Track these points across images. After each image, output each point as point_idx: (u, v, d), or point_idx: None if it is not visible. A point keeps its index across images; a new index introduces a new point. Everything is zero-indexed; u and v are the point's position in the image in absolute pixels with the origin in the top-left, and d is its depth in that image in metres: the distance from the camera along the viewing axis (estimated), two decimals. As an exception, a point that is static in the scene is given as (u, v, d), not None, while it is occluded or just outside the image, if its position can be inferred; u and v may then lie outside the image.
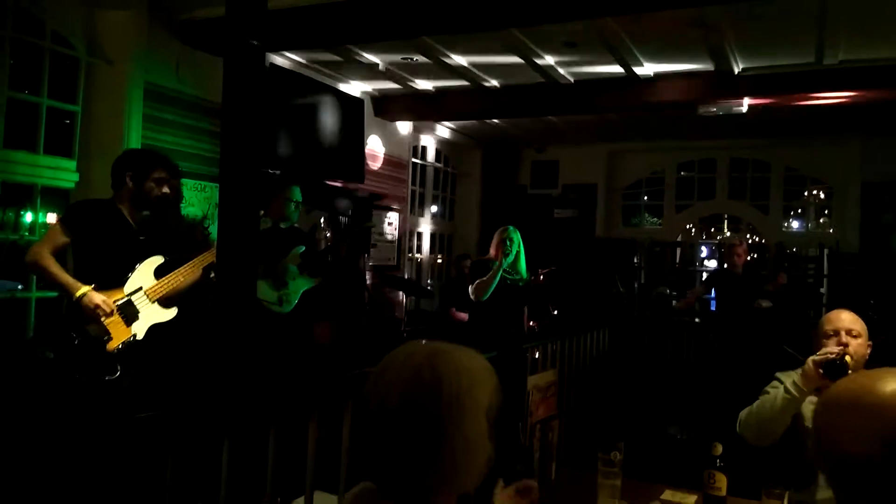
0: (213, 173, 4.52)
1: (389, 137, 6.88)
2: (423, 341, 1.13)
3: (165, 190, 2.98)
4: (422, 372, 1.03)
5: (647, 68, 5.35)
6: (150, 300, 2.89)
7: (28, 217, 4.04)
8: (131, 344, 2.79)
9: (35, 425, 1.56)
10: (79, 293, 2.70)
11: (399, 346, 1.12)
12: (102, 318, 2.73)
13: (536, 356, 3.84)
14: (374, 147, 6.60)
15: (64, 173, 4.08)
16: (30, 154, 3.93)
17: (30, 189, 3.97)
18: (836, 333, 2.31)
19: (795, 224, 8.20)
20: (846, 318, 2.35)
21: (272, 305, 4.04)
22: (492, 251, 4.52)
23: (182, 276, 2.98)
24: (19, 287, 4.02)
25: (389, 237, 6.95)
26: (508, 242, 4.43)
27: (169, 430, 1.76)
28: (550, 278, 4.90)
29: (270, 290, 4.07)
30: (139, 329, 2.84)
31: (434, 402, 1.00)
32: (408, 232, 7.40)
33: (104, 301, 2.73)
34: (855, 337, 2.30)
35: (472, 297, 4.42)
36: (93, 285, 2.75)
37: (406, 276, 7.26)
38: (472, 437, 1.03)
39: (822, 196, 8.01)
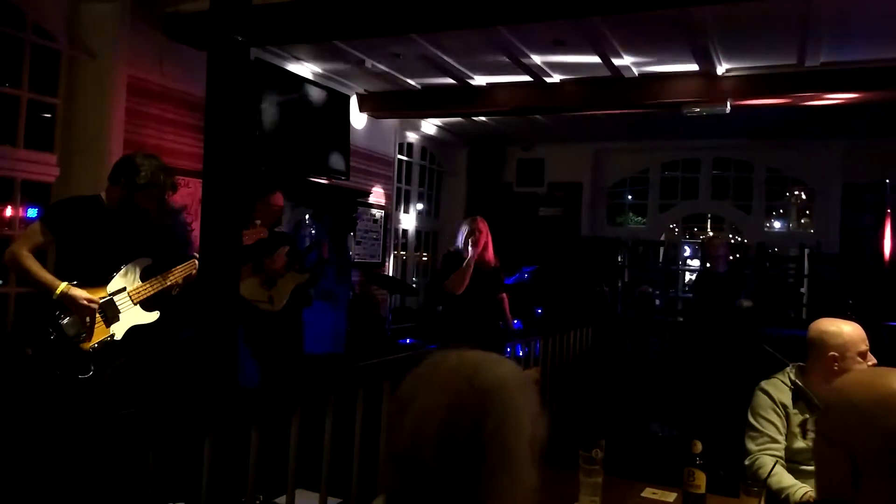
0: (197, 169, 4.49)
1: (375, 134, 6.86)
2: (455, 358, 1.01)
3: (151, 205, 2.94)
4: (464, 399, 0.92)
5: (632, 69, 5.38)
6: (132, 302, 2.86)
7: (7, 212, 3.99)
8: (108, 344, 2.76)
9: (11, 422, 1.54)
10: (58, 290, 2.67)
11: (431, 363, 1.01)
12: (86, 316, 2.70)
13: (520, 354, 3.85)
14: (360, 144, 6.58)
15: (45, 167, 4.04)
16: (9, 148, 3.88)
17: (9, 183, 3.91)
18: (867, 353, 2.31)
19: (777, 224, 8.28)
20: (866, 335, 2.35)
21: (262, 304, 4.03)
22: (459, 243, 4.50)
23: (167, 281, 2.95)
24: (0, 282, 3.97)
25: (374, 234, 6.94)
26: (477, 233, 4.43)
27: (150, 428, 1.75)
28: (534, 277, 4.92)
29: (260, 290, 4.06)
30: (118, 329, 2.81)
31: (476, 438, 0.90)
32: (393, 229, 7.39)
33: (87, 297, 2.70)
34: None
35: (446, 291, 4.41)
36: (74, 282, 2.72)
37: (391, 274, 7.26)
38: (516, 471, 0.93)
39: (803, 197, 8.09)
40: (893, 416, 1.07)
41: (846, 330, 2.33)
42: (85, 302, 2.68)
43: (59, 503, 1.51)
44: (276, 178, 5.22)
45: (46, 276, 2.71)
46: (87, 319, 2.71)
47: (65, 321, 2.68)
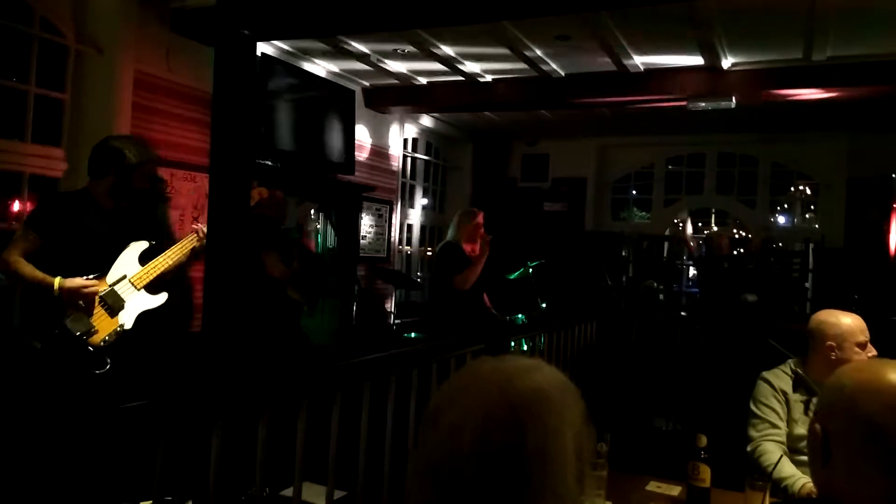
0: (204, 164, 4.51)
1: (380, 129, 6.87)
2: (490, 365, 0.95)
3: (146, 184, 2.93)
4: (496, 419, 0.85)
5: (637, 63, 5.37)
6: (136, 288, 2.83)
7: (16, 206, 4.01)
8: (119, 335, 2.76)
9: (18, 417, 1.55)
10: (56, 286, 2.65)
11: (467, 370, 0.95)
12: (91, 303, 2.68)
13: (524, 348, 3.86)
14: (365, 139, 6.59)
15: (52, 162, 4.06)
16: (17, 142, 3.90)
17: (17, 178, 3.93)
18: (867, 344, 2.35)
19: (782, 219, 8.27)
20: (866, 327, 2.39)
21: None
22: (463, 236, 4.48)
23: (169, 260, 2.91)
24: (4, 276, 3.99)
25: (379, 229, 6.95)
26: (482, 229, 4.46)
27: (158, 420, 1.76)
28: (539, 271, 4.92)
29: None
30: (126, 318, 2.79)
31: (517, 453, 0.84)
32: (398, 224, 7.40)
33: (83, 284, 2.68)
34: None
35: (456, 286, 4.40)
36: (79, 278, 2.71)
37: (396, 268, 7.27)
38: (561, 491, 0.86)
39: (808, 191, 8.08)
40: (870, 401, 1.11)
41: (844, 320, 2.38)
42: (84, 289, 2.67)
43: (64, 496, 1.52)
44: (280, 173, 5.24)
45: (40, 276, 2.69)
46: (92, 308, 2.70)
47: (69, 320, 2.67)
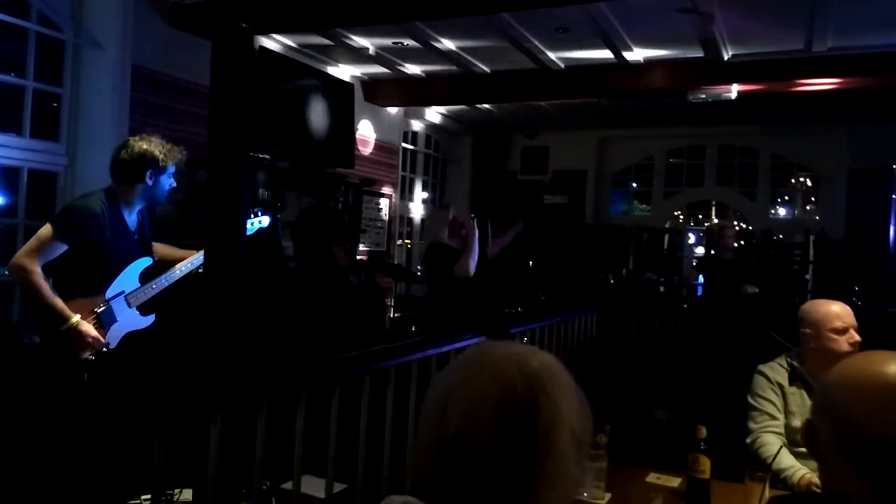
0: (202, 158, 4.49)
1: (379, 123, 6.85)
2: (500, 347, 1.00)
3: (173, 185, 2.90)
4: (516, 394, 0.91)
5: (637, 55, 5.35)
6: (128, 305, 2.75)
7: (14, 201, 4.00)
8: (102, 354, 2.64)
9: (17, 413, 1.55)
10: (71, 322, 2.54)
11: (477, 352, 1.00)
12: (87, 350, 2.60)
13: (524, 340, 3.86)
14: (364, 132, 6.58)
15: (51, 157, 4.05)
16: (16, 137, 3.89)
17: (16, 173, 3.93)
18: (846, 331, 2.33)
19: (782, 211, 8.26)
20: (850, 314, 2.36)
21: None
22: (444, 233, 4.50)
23: (167, 280, 2.83)
24: (6, 273, 3.98)
25: (379, 223, 6.94)
26: (460, 225, 4.49)
27: (157, 413, 1.76)
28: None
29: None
30: (112, 338, 2.69)
31: (531, 426, 0.90)
32: (398, 218, 7.39)
33: (94, 337, 2.59)
34: (856, 331, 2.35)
35: (458, 276, 4.37)
36: (78, 313, 2.61)
37: (396, 262, 7.27)
38: (562, 466, 0.92)
39: (808, 183, 8.07)
40: (847, 395, 1.06)
41: (822, 308, 2.39)
42: (91, 341, 2.57)
43: (65, 490, 1.52)
44: (278, 167, 5.22)
45: (58, 304, 2.55)
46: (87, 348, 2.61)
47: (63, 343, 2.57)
